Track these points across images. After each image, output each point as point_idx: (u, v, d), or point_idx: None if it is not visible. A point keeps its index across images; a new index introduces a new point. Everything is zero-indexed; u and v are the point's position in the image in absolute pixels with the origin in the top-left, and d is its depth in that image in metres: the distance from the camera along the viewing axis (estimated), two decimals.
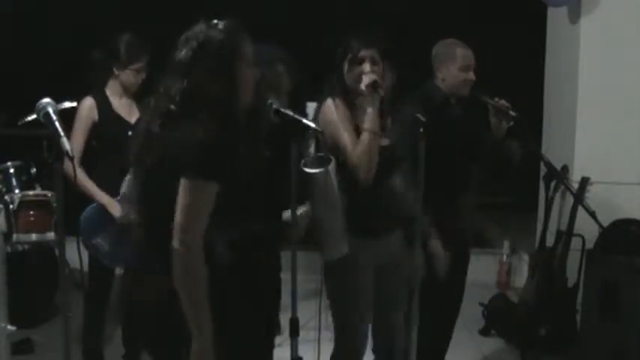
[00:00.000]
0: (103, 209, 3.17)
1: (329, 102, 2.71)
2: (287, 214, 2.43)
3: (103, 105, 3.31)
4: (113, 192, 3.15)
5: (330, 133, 2.65)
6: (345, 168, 2.61)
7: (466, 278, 3.42)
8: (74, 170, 2.25)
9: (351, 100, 2.72)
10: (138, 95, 3.36)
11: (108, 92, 3.36)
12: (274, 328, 2.53)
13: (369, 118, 2.64)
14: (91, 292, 3.36)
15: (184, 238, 1.89)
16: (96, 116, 3.28)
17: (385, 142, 2.75)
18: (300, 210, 2.49)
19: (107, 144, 3.24)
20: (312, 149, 2.76)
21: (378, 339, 2.94)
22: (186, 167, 1.90)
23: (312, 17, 7.09)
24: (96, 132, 3.27)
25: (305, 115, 2.46)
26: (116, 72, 3.32)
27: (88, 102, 3.29)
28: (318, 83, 2.81)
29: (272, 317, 2.49)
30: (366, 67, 2.67)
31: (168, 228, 1.92)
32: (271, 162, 2.29)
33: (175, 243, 1.90)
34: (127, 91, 3.36)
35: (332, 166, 2.49)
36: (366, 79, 2.63)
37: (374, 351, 2.99)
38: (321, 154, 2.50)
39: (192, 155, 1.89)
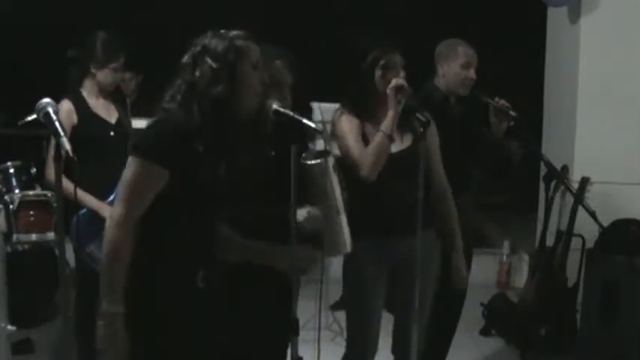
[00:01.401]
0: (92, 214, 3.07)
1: (338, 115, 2.73)
2: (300, 213, 2.37)
3: (81, 106, 3.23)
4: (99, 194, 3.07)
5: (339, 145, 2.69)
6: (349, 166, 2.62)
7: (468, 278, 3.41)
8: (74, 186, 2.22)
9: (373, 107, 2.71)
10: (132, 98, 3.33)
11: (84, 93, 3.27)
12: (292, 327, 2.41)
13: (388, 120, 2.63)
14: (81, 294, 3.24)
15: (114, 212, 1.95)
16: (75, 119, 3.19)
17: (395, 148, 2.71)
18: (307, 211, 2.43)
19: (89, 145, 3.09)
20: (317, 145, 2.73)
21: (395, 340, 2.90)
22: (132, 144, 1.99)
23: (312, 17, 7.09)
24: (76, 134, 3.11)
25: (310, 114, 2.43)
26: (93, 71, 3.23)
27: (66, 105, 3.18)
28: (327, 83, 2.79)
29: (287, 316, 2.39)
30: (401, 72, 2.67)
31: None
32: (276, 162, 2.29)
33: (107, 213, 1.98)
34: (102, 91, 3.27)
35: (331, 160, 2.45)
36: (393, 82, 2.62)
37: (393, 352, 2.94)
38: (322, 149, 2.48)
39: (141, 133, 1.99)
